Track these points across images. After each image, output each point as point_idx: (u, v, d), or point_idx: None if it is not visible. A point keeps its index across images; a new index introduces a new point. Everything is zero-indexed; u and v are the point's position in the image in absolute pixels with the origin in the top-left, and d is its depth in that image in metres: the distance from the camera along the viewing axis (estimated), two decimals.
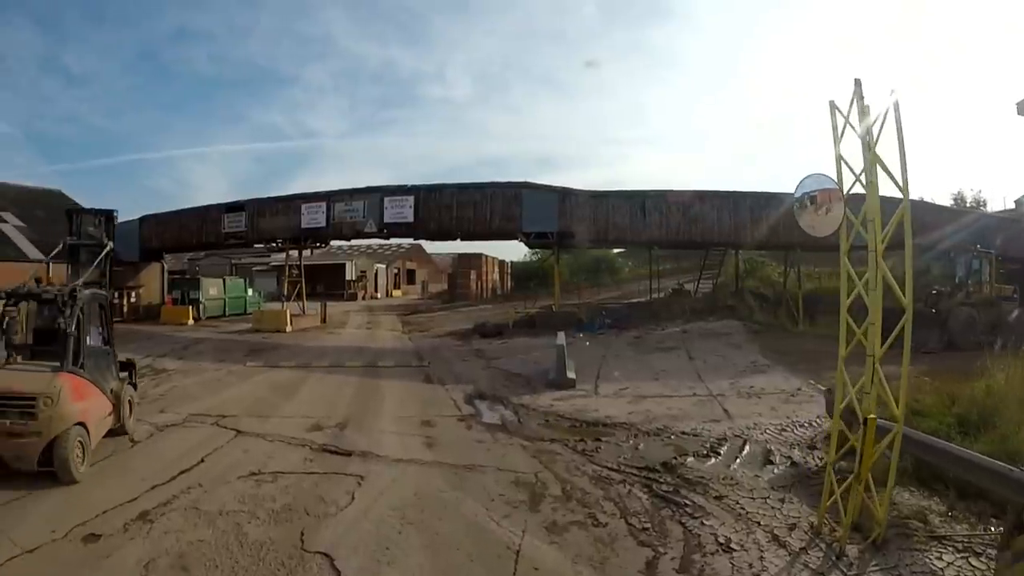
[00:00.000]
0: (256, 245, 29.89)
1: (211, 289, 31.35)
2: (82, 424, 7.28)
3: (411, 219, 23.84)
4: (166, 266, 36.36)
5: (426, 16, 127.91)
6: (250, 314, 32.50)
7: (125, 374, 9.59)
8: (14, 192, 33.32)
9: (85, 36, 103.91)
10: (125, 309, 30.73)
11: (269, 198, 27.11)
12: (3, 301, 7.97)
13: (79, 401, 7.37)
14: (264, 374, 15.13)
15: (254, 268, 52.55)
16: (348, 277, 53.77)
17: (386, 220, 24.12)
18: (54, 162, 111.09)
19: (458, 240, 25.48)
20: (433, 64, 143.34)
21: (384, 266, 60.90)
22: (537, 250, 53.24)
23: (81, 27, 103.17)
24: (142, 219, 31.92)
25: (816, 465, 8.00)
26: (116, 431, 8.83)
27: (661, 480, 7.83)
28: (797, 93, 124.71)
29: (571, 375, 14.16)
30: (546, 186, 24.57)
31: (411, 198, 23.94)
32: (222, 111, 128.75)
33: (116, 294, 30.39)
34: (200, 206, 29.55)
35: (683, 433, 9.89)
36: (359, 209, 24.56)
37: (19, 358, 7.88)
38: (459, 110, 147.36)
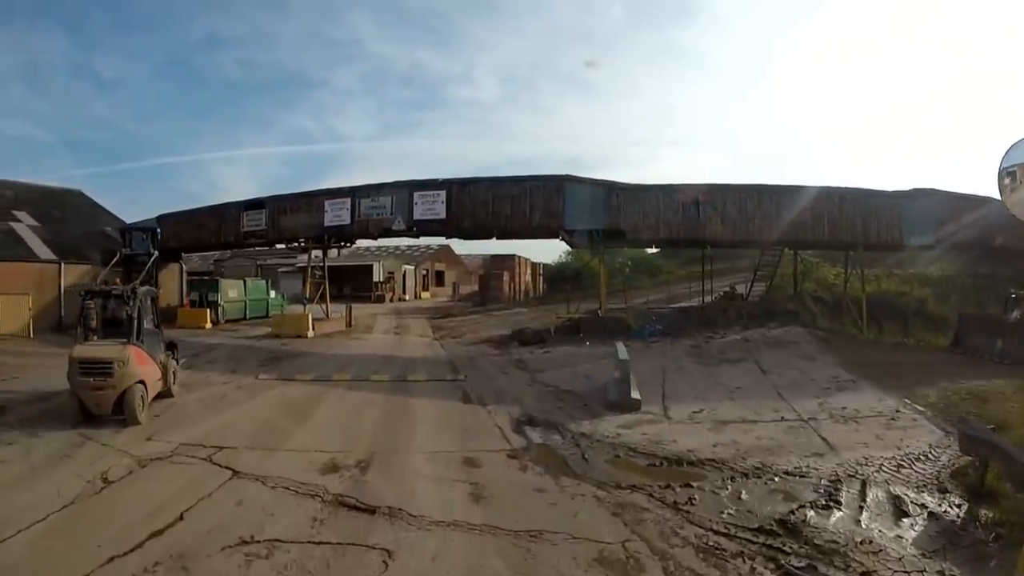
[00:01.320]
0: (278, 245, 28.13)
1: (230, 291, 29.71)
2: (142, 382, 10.09)
3: (443, 215, 21.78)
4: (187, 267, 35.20)
5: (453, 18, 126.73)
6: (272, 317, 30.95)
7: (170, 351, 12.03)
8: (33, 191, 32.27)
9: (116, 42, 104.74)
10: None
11: (290, 194, 25.31)
12: (85, 297, 11.02)
13: (140, 365, 10.15)
14: (277, 389, 13.14)
15: (279, 269, 51.17)
16: (375, 279, 52.10)
17: (416, 217, 22.09)
18: (86, 166, 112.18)
19: (493, 239, 23.38)
20: (460, 66, 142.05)
21: (412, 267, 59.19)
22: (572, 250, 51.46)
23: (112, 34, 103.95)
24: (160, 218, 30.47)
25: (958, 516, 6.62)
26: (163, 394, 11.44)
27: (787, 549, 5.89)
28: (824, 93, 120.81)
29: (636, 395, 11.94)
30: (590, 179, 22.33)
31: (443, 193, 21.90)
32: (251, 115, 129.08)
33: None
34: (218, 204, 27.97)
35: (787, 473, 8.04)
36: (386, 205, 22.60)
37: (95, 337, 10.73)
38: (486, 111, 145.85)
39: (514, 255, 42.29)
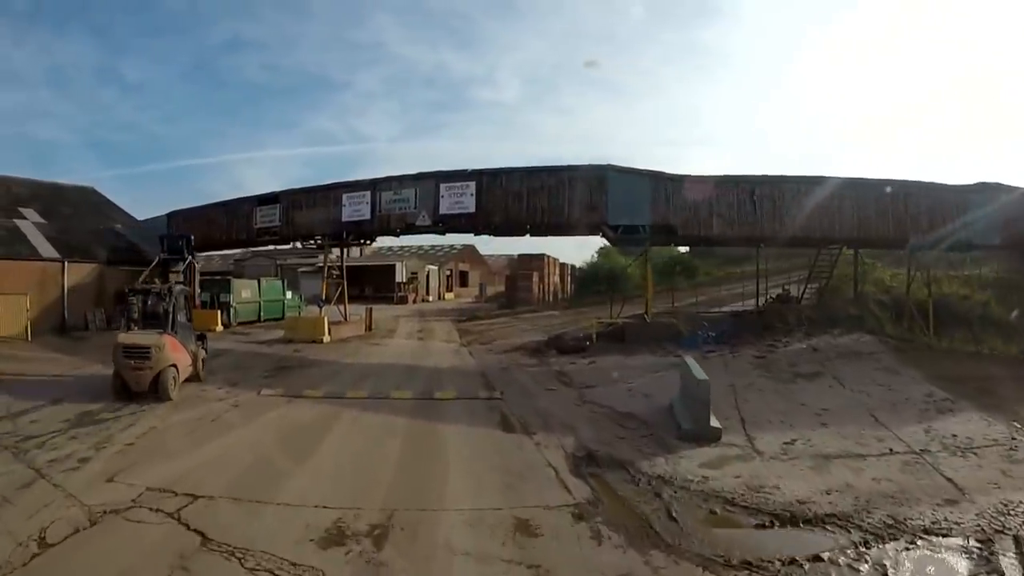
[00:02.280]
0: (295, 243, 26.21)
1: (244, 291, 27.91)
2: (174, 366, 11.83)
3: (472, 209, 19.64)
4: (208, 267, 33.66)
5: (476, 19, 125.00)
6: (286, 320, 29.11)
7: (200, 342, 13.63)
8: (44, 189, 30.91)
9: (141, 47, 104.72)
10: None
11: (305, 188, 23.36)
12: (129, 294, 13.86)
13: (173, 352, 11.86)
14: (279, 410, 11.07)
15: (299, 269, 49.53)
16: (398, 279, 50.26)
17: (442, 211, 19.98)
18: (112, 168, 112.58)
19: (527, 235, 21.18)
20: (483, 67, 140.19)
21: (436, 267, 57.31)
22: (603, 250, 49.03)
23: (137, 38, 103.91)
24: (170, 215, 28.85)
25: None
26: (192, 378, 12.89)
27: None
28: (847, 93, 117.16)
29: (715, 423, 9.67)
30: (636, 169, 20.02)
31: (472, 184, 19.75)
32: (274, 117, 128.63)
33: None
34: (230, 199, 26.15)
35: (925, 531, 6.28)
36: (409, 199, 20.52)
37: (135, 327, 12.65)
38: (510, 112, 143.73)
39: (543, 254, 40.02)
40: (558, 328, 24.07)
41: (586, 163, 20.05)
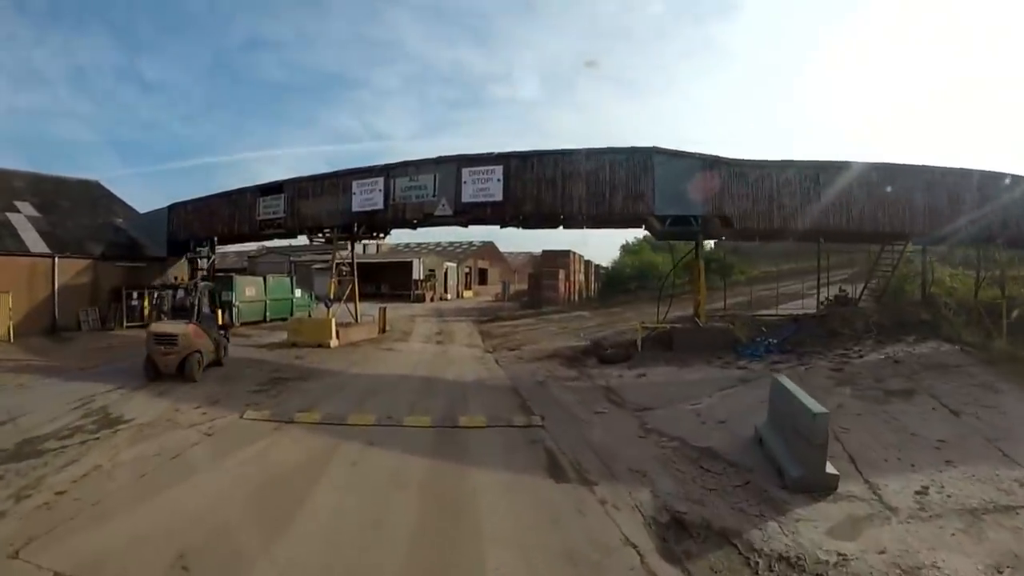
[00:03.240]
0: (302, 237, 23.82)
1: (248, 289, 25.77)
2: (199, 352, 13.33)
3: (499, 197, 17.17)
4: (223, 264, 31.40)
5: (494, 17, 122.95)
6: (290, 321, 26.93)
7: (223, 331, 15.42)
8: (45, 182, 29.24)
9: (161, 46, 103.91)
10: (145, 312, 25.52)
11: (312, 176, 20.97)
12: (160, 289, 20.57)
13: (197, 339, 13.41)
14: (261, 443, 8.68)
15: (313, 266, 47.26)
16: (415, 276, 47.97)
17: (464, 199, 17.52)
18: (131, 165, 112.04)
19: (560, 228, 18.67)
20: (501, 64, 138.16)
21: (455, 265, 54.99)
22: (630, 246, 46.41)
23: (157, 38, 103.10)
24: (171, 207, 26.72)
25: None
26: (214, 363, 14.33)
27: None
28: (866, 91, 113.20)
29: (831, 469, 7.19)
30: (686, 152, 17.46)
31: (499, 169, 17.28)
32: (292, 114, 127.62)
33: (136, 295, 25.40)
34: (233, 189, 23.89)
35: None
36: (427, 185, 18.10)
37: (164, 318, 16.02)
38: (527, 109, 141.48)
39: (569, 251, 37.45)
40: (592, 331, 21.60)
41: (628, 145, 17.55)
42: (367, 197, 18.92)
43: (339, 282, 21.23)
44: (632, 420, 10.21)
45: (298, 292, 28.45)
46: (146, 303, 25.65)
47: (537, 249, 67.55)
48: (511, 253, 73.34)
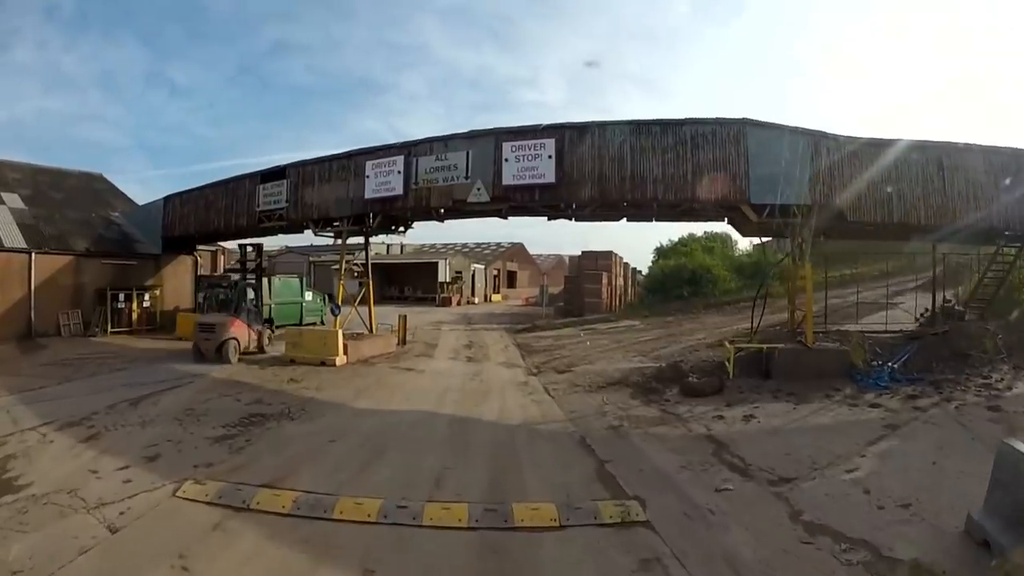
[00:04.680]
0: (309, 235, 20.34)
1: (248, 292, 22.33)
2: (235, 339, 15.48)
3: (550, 178, 13.44)
4: (260, 264, 28.10)
5: (519, 21, 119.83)
6: (309, 325, 23.52)
7: (268, 323, 18.26)
8: (44, 174, 26.48)
9: (189, 52, 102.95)
10: (133, 316, 22.37)
11: (319, 158, 17.42)
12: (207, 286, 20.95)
13: (234, 328, 15.56)
14: (179, 562, 5.08)
15: (333, 267, 44.08)
16: (440, 279, 44.44)
17: (506, 181, 13.82)
18: (160, 167, 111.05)
19: (623, 220, 14.98)
20: (527, 69, 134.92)
21: (482, 267, 51.40)
22: (661, 249, 42.02)
23: (185, 44, 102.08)
24: (167, 198, 23.54)
25: None
26: (256, 351, 16.31)
27: None
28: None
29: None
30: (785, 126, 13.64)
31: (550, 143, 13.57)
32: (319, 119, 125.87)
33: (123, 296, 22.26)
34: (229, 177, 20.53)
35: None
36: (458, 165, 14.48)
37: (208, 311, 17.58)
38: (554, 113, 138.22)
39: (611, 251, 33.55)
40: (655, 347, 17.77)
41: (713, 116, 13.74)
42: (383, 181, 15.37)
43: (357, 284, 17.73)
44: (775, 505, 6.48)
45: (309, 295, 25.00)
46: (135, 305, 22.49)
47: (562, 251, 63.71)
48: (538, 255, 69.66)
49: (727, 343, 13.65)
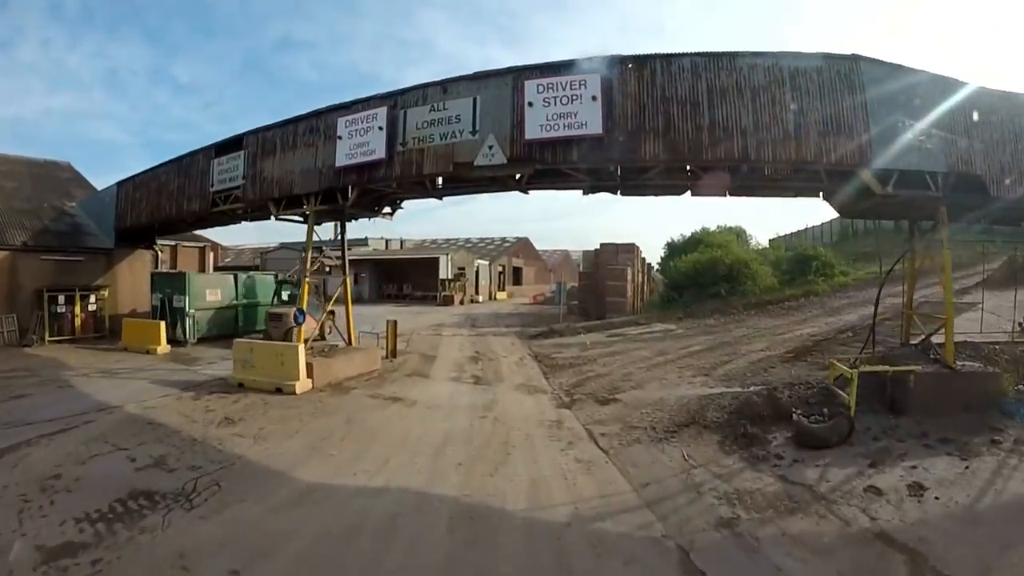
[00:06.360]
0: (274, 219, 16.37)
1: (208, 292, 18.45)
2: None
3: (596, 128, 9.41)
4: (232, 262, 24.08)
5: (525, 16, 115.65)
6: (235, 346, 19.62)
7: (330, 314, 16.33)
8: (4, 163, 22.60)
9: (194, 48, 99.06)
10: (76, 322, 18.54)
11: (282, 121, 13.39)
12: (283, 284, 21.31)
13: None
14: None
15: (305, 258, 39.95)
16: (442, 275, 40.49)
17: (528, 135, 9.87)
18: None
19: (686, 194, 11.02)
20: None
21: (487, 263, 47.43)
22: (674, 244, 37.84)
23: (190, 40, 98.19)
24: (120, 183, 19.62)
25: None
26: (319, 338, 15.64)
27: None
28: None
29: None
30: (906, 67, 9.66)
31: (594, 79, 9.58)
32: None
33: (62, 299, 18.44)
34: (183, 154, 16.53)
35: None
36: (461, 116, 10.54)
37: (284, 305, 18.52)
38: None
39: (633, 244, 29.51)
40: (714, 362, 13.81)
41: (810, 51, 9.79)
42: (360, 142, 11.43)
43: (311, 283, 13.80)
44: None
45: (286, 295, 21.08)
46: (77, 309, 18.61)
47: (564, 248, 59.43)
48: (543, 251, 65.62)
49: (834, 362, 9.68)
